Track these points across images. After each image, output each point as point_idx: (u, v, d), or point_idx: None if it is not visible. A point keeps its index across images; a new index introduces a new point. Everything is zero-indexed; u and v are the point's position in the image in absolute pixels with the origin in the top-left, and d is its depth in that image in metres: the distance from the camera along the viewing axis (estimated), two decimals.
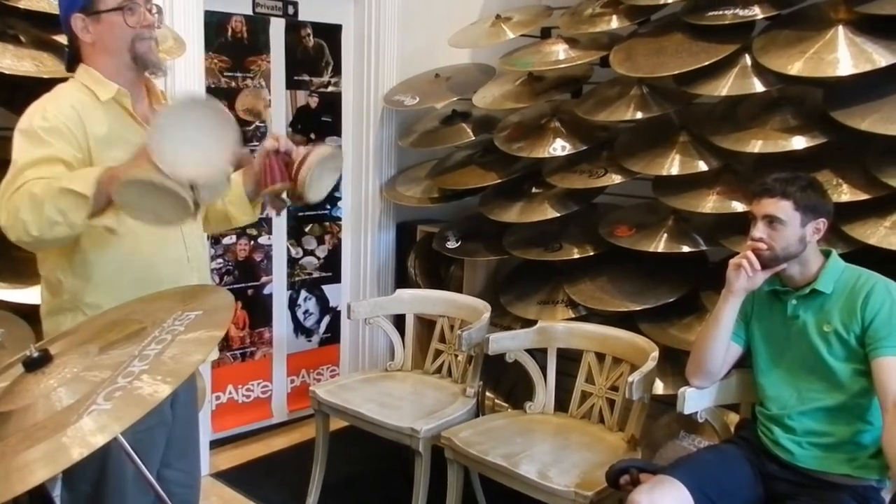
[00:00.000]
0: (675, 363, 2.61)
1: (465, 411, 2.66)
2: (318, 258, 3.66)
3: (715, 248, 2.67)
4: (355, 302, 3.13)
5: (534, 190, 3.13)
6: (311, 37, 3.47)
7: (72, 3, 1.73)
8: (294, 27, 3.41)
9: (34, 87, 1.87)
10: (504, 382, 3.32)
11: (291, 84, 3.43)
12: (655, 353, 2.40)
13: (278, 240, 3.49)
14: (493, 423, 2.59)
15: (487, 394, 3.29)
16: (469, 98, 3.33)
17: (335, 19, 3.54)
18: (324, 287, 3.70)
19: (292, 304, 3.60)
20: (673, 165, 2.69)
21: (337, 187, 3.65)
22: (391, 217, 3.72)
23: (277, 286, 3.52)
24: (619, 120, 2.88)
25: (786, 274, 2.03)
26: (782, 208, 1.95)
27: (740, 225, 2.39)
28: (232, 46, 3.21)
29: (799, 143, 2.45)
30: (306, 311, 3.66)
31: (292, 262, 3.57)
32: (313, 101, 3.53)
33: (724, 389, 2.19)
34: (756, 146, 2.49)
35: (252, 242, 3.40)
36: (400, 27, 3.57)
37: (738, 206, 2.52)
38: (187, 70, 2.80)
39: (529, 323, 2.83)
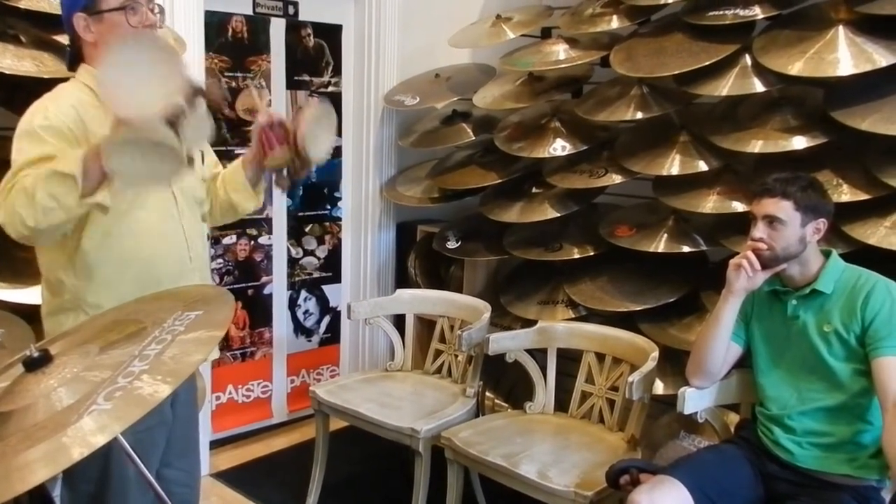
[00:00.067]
0: (675, 363, 2.61)
1: (465, 411, 2.66)
2: (319, 258, 3.66)
3: (715, 249, 2.67)
4: (355, 302, 3.13)
5: (534, 190, 3.13)
6: (312, 37, 3.47)
7: (74, 2, 1.73)
8: (294, 27, 3.41)
9: (34, 87, 1.87)
10: (504, 382, 3.32)
11: (292, 84, 3.43)
12: (655, 354, 2.40)
13: (278, 240, 3.49)
14: (493, 424, 2.59)
15: (487, 394, 3.29)
16: (469, 98, 3.33)
17: (335, 19, 3.54)
18: (324, 287, 3.70)
19: (292, 305, 3.60)
20: (673, 165, 2.69)
21: (337, 186, 3.65)
22: (391, 217, 3.73)
23: (277, 286, 3.52)
24: (619, 120, 2.88)
25: (786, 274, 2.03)
26: (783, 208, 1.95)
27: (740, 225, 2.39)
28: (232, 46, 3.21)
29: (799, 143, 2.45)
30: (306, 312, 3.66)
31: (292, 262, 3.57)
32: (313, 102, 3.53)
33: (724, 389, 2.19)
34: (756, 146, 2.50)
35: (252, 242, 3.40)
36: (400, 27, 3.57)
37: (739, 206, 2.52)
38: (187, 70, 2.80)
39: (529, 323, 2.83)
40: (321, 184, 3.62)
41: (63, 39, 2.31)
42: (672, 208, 2.74)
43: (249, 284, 3.41)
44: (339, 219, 3.71)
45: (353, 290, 3.76)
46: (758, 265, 2.00)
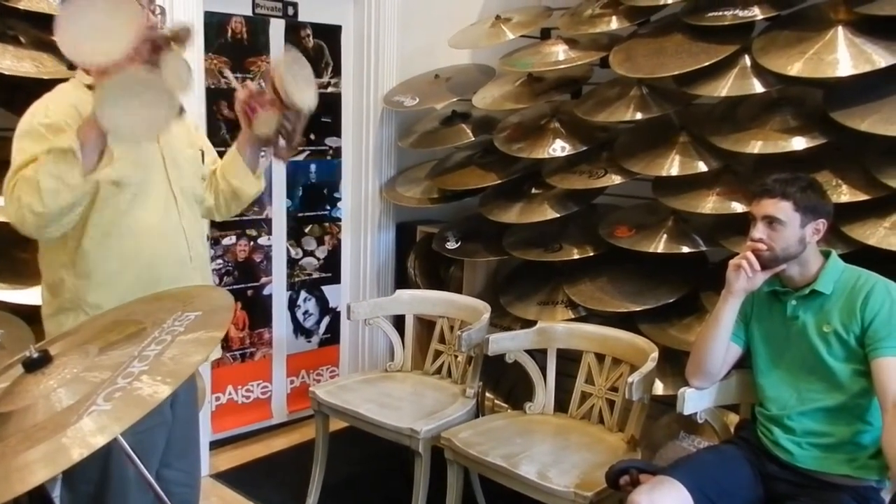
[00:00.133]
0: (674, 364, 2.62)
1: (465, 412, 2.66)
2: (318, 259, 3.66)
3: (715, 249, 2.67)
4: (355, 302, 3.13)
5: (533, 190, 3.13)
6: (311, 37, 3.47)
7: None
8: (294, 28, 3.41)
9: (34, 88, 1.87)
10: (504, 383, 3.33)
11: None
12: (655, 354, 2.40)
13: (278, 240, 3.49)
14: (493, 424, 2.59)
15: (487, 394, 3.29)
16: (469, 99, 3.33)
17: (335, 20, 3.54)
18: (323, 288, 3.70)
19: (292, 305, 3.60)
20: (673, 166, 2.69)
21: (336, 187, 3.65)
22: (391, 217, 3.72)
23: (277, 287, 3.52)
24: (618, 120, 2.88)
25: (785, 275, 2.03)
26: (782, 209, 1.95)
27: (740, 225, 2.39)
28: (232, 47, 3.21)
29: (799, 143, 2.45)
30: (306, 312, 3.66)
31: (292, 263, 3.57)
32: None
33: (723, 390, 2.19)
34: (756, 147, 2.50)
35: (252, 243, 3.40)
36: (400, 28, 3.57)
37: (738, 207, 2.52)
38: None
39: (529, 323, 2.83)
40: (321, 184, 3.62)
41: None
42: (671, 209, 2.74)
43: (249, 285, 3.41)
44: (339, 219, 3.71)
45: (352, 291, 3.76)
46: (757, 266, 2.00)
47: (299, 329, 3.65)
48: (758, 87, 2.53)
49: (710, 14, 2.65)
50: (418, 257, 3.62)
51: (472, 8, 3.82)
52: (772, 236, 1.97)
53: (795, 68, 2.41)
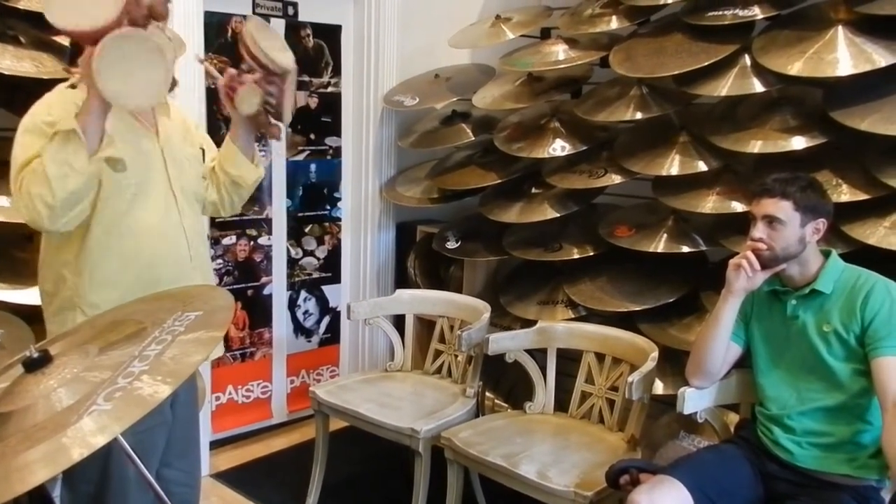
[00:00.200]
0: (674, 363, 2.62)
1: (465, 411, 2.66)
2: (318, 259, 3.67)
3: (715, 249, 2.67)
4: (355, 302, 3.13)
5: (533, 190, 3.13)
6: (311, 37, 3.47)
7: None
8: (294, 28, 3.41)
9: (34, 88, 1.87)
10: (504, 383, 3.33)
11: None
12: (655, 354, 2.40)
13: (278, 240, 3.49)
14: (493, 424, 2.59)
15: (487, 394, 3.29)
16: (469, 98, 3.33)
17: (335, 20, 3.54)
18: (323, 287, 3.70)
19: (292, 305, 3.60)
20: (673, 166, 2.69)
21: (336, 187, 3.65)
22: (391, 217, 3.72)
23: (277, 287, 3.52)
24: (618, 120, 2.88)
25: (785, 274, 2.03)
26: (782, 208, 1.95)
27: (740, 225, 2.39)
28: (232, 47, 3.20)
29: (799, 143, 2.45)
30: (306, 312, 3.66)
31: (292, 263, 3.57)
32: (313, 102, 3.53)
33: (723, 389, 2.19)
34: (756, 146, 2.50)
35: (252, 243, 3.40)
36: (400, 28, 3.57)
37: (738, 207, 2.52)
38: (187, 70, 2.80)
39: (529, 323, 2.83)
40: (321, 184, 3.62)
41: (62, 40, 2.32)
42: (671, 208, 2.74)
43: (249, 285, 3.41)
44: (339, 219, 3.71)
45: (352, 291, 3.76)
46: (757, 265, 2.00)
47: (299, 329, 3.65)
48: (758, 87, 2.53)
49: (710, 14, 2.65)
50: (418, 257, 3.62)
51: (472, 8, 3.82)
52: (772, 236, 1.97)
53: (795, 68, 2.41)
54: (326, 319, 3.74)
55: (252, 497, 2.97)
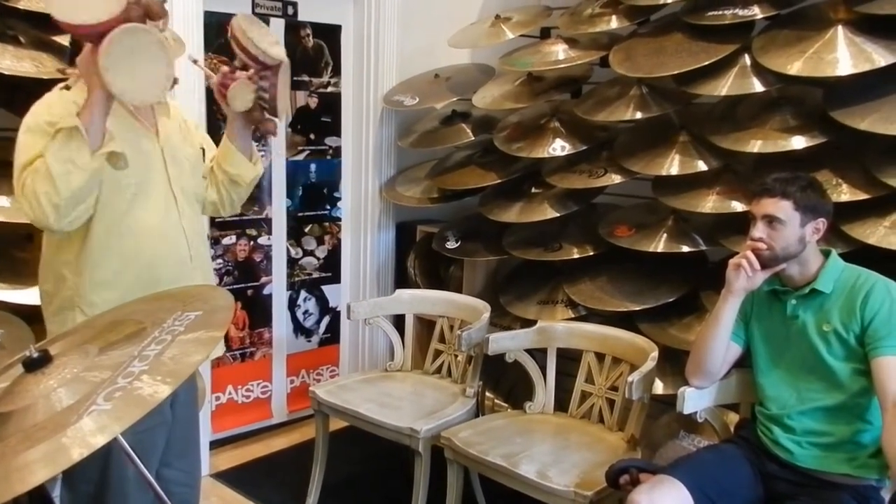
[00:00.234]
0: (674, 363, 2.62)
1: (465, 411, 2.66)
2: (318, 258, 3.66)
3: (714, 248, 2.67)
4: (355, 302, 3.13)
5: (533, 190, 3.13)
6: (311, 37, 3.47)
7: None
8: (293, 27, 3.41)
9: (34, 88, 1.87)
10: (504, 382, 3.33)
11: (291, 84, 3.41)
12: (655, 353, 2.40)
13: (278, 240, 3.49)
14: (493, 423, 2.59)
15: (487, 394, 3.29)
16: (469, 98, 3.33)
17: (335, 20, 3.54)
18: (323, 287, 3.70)
19: (292, 305, 3.60)
20: (672, 165, 2.69)
21: (336, 187, 3.65)
22: (391, 217, 3.72)
23: (277, 286, 3.52)
24: (618, 120, 2.88)
25: (785, 274, 2.03)
26: (782, 208, 1.95)
27: (740, 225, 2.39)
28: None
29: (798, 142, 2.45)
30: (306, 312, 3.66)
31: (292, 263, 3.57)
32: (313, 102, 3.53)
33: (723, 389, 2.19)
34: (756, 146, 2.50)
35: (252, 243, 3.40)
36: (399, 27, 3.57)
37: (738, 206, 2.52)
38: (187, 70, 2.79)
39: (529, 323, 2.83)
40: (321, 184, 3.62)
41: (62, 40, 2.32)
42: (671, 208, 2.74)
43: (249, 285, 3.41)
44: (339, 219, 3.71)
45: (352, 291, 3.76)
46: (757, 265, 2.00)
47: (299, 329, 3.65)
48: (757, 87, 2.53)
49: (710, 13, 2.65)
50: (418, 257, 3.62)
51: (472, 7, 3.82)
52: (772, 235, 1.97)
53: (795, 67, 2.41)
54: (326, 319, 3.74)
55: (252, 497, 2.97)
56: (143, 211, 1.81)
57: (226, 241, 3.31)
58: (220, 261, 3.28)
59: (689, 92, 2.68)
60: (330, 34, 3.53)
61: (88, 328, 1.56)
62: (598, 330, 2.67)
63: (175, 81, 1.72)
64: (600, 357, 2.64)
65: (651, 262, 2.79)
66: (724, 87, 2.56)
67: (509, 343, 2.66)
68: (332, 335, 3.78)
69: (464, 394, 2.78)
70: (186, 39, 2.69)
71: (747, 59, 2.59)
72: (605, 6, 2.99)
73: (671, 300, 2.74)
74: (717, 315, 2.09)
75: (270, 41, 1.89)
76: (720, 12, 2.63)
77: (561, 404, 2.70)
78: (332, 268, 3.72)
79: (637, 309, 2.76)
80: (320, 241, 3.66)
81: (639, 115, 2.80)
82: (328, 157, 3.62)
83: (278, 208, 3.47)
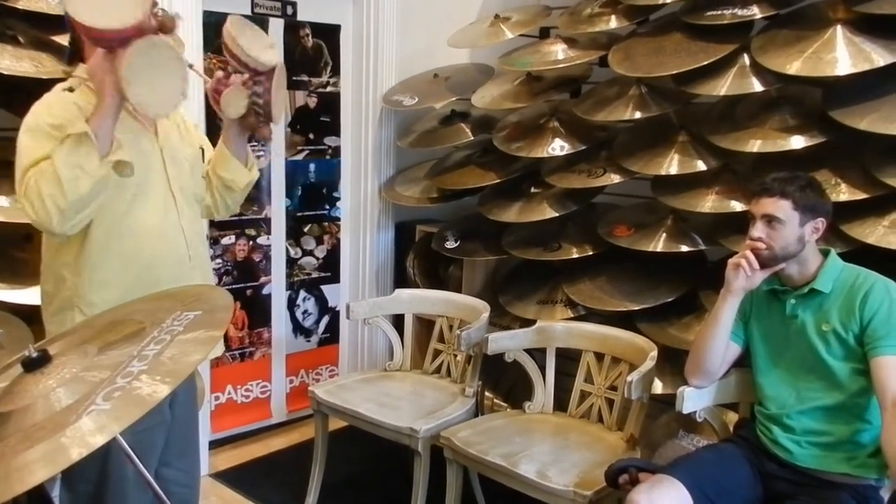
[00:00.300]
0: (674, 363, 2.61)
1: (465, 411, 2.66)
2: (317, 258, 3.66)
3: (714, 248, 2.67)
4: (354, 302, 3.13)
5: (533, 190, 3.13)
6: (310, 37, 3.47)
7: None
8: (293, 27, 3.41)
9: (33, 88, 1.87)
10: (503, 382, 3.32)
11: (290, 84, 3.42)
12: (654, 353, 2.40)
13: (277, 240, 3.49)
14: (493, 423, 2.59)
15: (486, 393, 3.29)
16: (468, 98, 3.33)
17: (334, 19, 3.54)
18: (323, 287, 3.70)
19: (291, 305, 3.60)
20: (672, 165, 2.69)
21: (335, 186, 3.65)
22: (390, 217, 3.72)
23: (276, 286, 3.52)
24: (617, 120, 2.88)
25: (784, 273, 2.03)
26: (781, 208, 1.95)
27: (739, 224, 2.39)
28: None
29: (798, 142, 2.45)
30: (305, 312, 3.66)
31: (291, 263, 3.57)
32: (312, 102, 3.53)
33: (722, 389, 2.19)
34: (755, 146, 2.50)
35: (251, 243, 3.40)
36: (399, 27, 3.57)
37: (737, 206, 2.52)
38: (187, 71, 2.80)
39: (528, 323, 2.83)
40: (320, 184, 3.62)
41: (61, 40, 2.31)
42: (671, 208, 2.74)
43: (248, 284, 3.41)
44: (338, 219, 3.71)
45: (351, 290, 3.75)
46: (756, 265, 2.00)
47: (298, 328, 3.65)
48: (757, 86, 2.53)
49: (709, 13, 2.65)
50: (417, 257, 3.62)
51: (471, 7, 3.82)
52: (771, 235, 1.97)
53: (794, 67, 2.41)
54: (325, 319, 3.74)
55: (251, 497, 2.97)
56: (143, 211, 1.81)
57: (225, 240, 3.30)
58: (219, 261, 3.28)
59: (689, 92, 2.68)
60: (329, 34, 3.53)
61: (87, 328, 1.56)
62: (597, 329, 2.67)
63: (184, 94, 1.72)
64: (599, 357, 2.64)
65: (650, 262, 2.79)
66: (724, 86, 2.57)
67: (508, 343, 2.66)
68: (332, 335, 3.78)
69: (463, 393, 2.78)
70: (185, 39, 2.68)
71: (746, 59, 2.59)
72: (605, 6, 2.99)
73: (670, 300, 2.74)
74: (717, 315, 2.09)
75: (263, 45, 1.87)
76: (719, 12, 2.63)
77: (560, 404, 2.70)
78: (331, 267, 3.71)
79: (636, 308, 2.76)
80: (319, 241, 3.66)
81: (638, 115, 2.81)
82: (327, 157, 3.62)
83: (277, 208, 3.47)
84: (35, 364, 1.31)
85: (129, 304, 1.68)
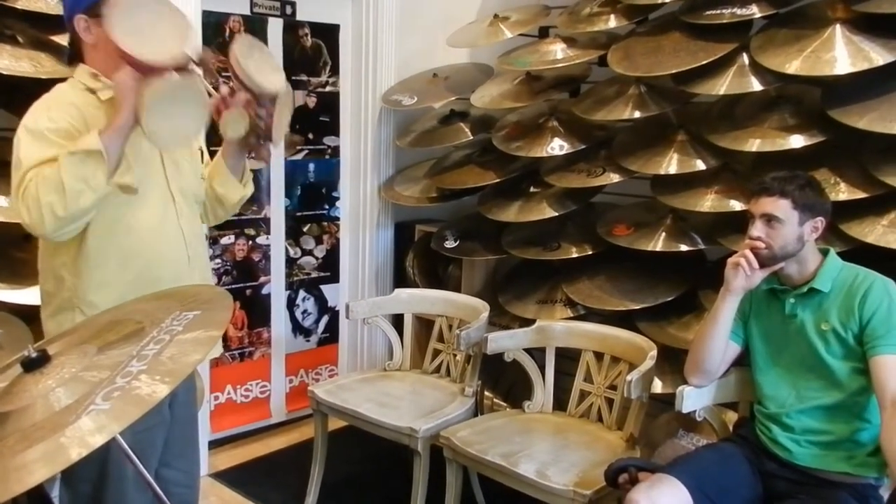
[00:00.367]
0: (673, 362, 2.61)
1: (464, 411, 2.66)
2: (317, 258, 3.66)
3: (713, 247, 2.67)
4: (354, 302, 3.13)
5: (532, 189, 3.13)
6: (309, 37, 3.47)
7: (76, 3, 1.74)
8: (292, 27, 3.41)
9: (32, 88, 1.87)
10: (503, 382, 3.32)
11: (289, 84, 3.42)
12: (654, 352, 2.40)
13: (276, 240, 3.49)
14: (492, 423, 2.59)
15: (486, 393, 3.29)
16: (467, 97, 3.33)
17: (333, 19, 3.54)
18: (322, 287, 3.70)
19: (291, 304, 3.60)
20: (671, 164, 2.69)
21: (335, 186, 3.65)
22: (389, 217, 3.72)
23: (276, 286, 3.52)
24: (617, 119, 2.88)
25: (784, 273, 2.03)
26: (780, 207, 1.95)
27: (738, 224, 2.39)
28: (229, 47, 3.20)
29: (797, 141, 2.45)
30: (305, 311, 3.66)
31: (290, 262, 3.57)
32: (311, 101, 3.53)
33: (722, 388, 2.19)
34: (754, 145, 2.50)
35: (250, 242, 3.40)
36: (398, 27, 3.57)
37: (737, 205, 2.52)
38: None
39: (528, 322, 2.83)
40: (319, 183, 3.62)
41: (61, 40, 2.31)
42: (670, 207, 2.74)
43: (247, 284, 3.41)
44: (338, 219, 3.70)
45: (351, 290, 3.75)
46: (756, 264, 2.00)
47: (298, 328, 3.65)
48: (756, 86, 2.53)
49: (708, 12, 2.65)
50: (417, 256, 3.62)
51: (471, 7, 3.82)
52: (770, 234, 1.97)
53: (793, 66, 2.41)
54: (325, 319, 3.74)
55: (251, 497, 2.97)
56: (142, 211, 1.81)
57: (224, 240, 3.30)
58: (218, 260, 3.28)
59: (688, 91, 2.68)
60: (328, 34, 3.53)
61: (87, 328, 1.56)
62: (596, 329, 2.67)
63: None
64: (599, 356, 2.64)
65: (650, 261, 2.79)
66: (723, 86, 2.57)
67: (508, 342, 2.66)
68: (331, 335, 3.78)
69: (463, 393, 2.78)
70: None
71: (745, 58, 2.59)
72: (604, 5, 2.99)
73: (670, 299, 2.74)
74: (716, 314, 2.09)
75: (269, 68, 1.86)
76: (718, 11, 2.63)
77: (560, 403, 2.70)
78: (330, 267, 3.71)
79: (636, 308, 2.76)
80: (319, 241, 3.66)
81: (637, 115, 2.80)
82: (327, 157, 3.62)
83: (277, 208, 3.47)
84: (34, 364, 1.31)
85: (129, 304, 1.67)
